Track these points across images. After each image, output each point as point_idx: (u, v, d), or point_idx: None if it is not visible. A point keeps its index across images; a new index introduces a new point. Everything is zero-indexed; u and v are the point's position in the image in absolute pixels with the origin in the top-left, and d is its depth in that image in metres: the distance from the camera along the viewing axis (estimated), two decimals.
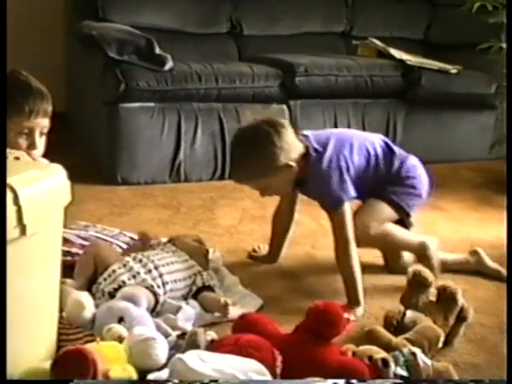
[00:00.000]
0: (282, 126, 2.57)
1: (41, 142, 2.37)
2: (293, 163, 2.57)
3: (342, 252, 2.60)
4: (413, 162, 2.85)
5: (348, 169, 2.65)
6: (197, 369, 1.82)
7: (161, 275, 2.47)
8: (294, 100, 4.18)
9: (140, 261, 2.50)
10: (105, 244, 2.73)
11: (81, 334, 2.12)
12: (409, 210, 2.81)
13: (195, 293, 2.53)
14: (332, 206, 2.63)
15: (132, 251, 2.67)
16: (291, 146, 2.57)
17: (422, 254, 2.82)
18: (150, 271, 2.46)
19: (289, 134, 2.58)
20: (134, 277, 2.43)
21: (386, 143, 2.84)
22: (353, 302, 2.56)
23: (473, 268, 2.95)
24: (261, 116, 2.62)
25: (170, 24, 4.51)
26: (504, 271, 2.93)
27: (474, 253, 2.99)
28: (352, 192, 2.64)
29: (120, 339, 2.03)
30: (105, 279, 2.44)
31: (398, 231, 2.82)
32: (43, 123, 2.33)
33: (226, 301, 2.43)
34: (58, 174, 1.93)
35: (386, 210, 2.77)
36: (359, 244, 2.64)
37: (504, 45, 4.15)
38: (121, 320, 2.14)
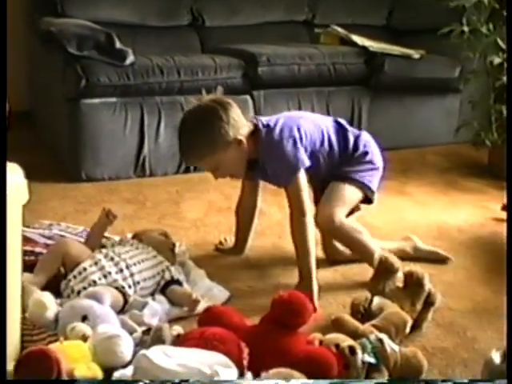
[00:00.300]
0: (228, 103, 2.58)
1: None
2: (242, 137, 2.57)
3: (297, 223, 2.58)
4: (366, 137, 2.84)
5: (301, 139, 2.63)
6: (161, 364, 1.80)
7: (132, 275, 2.45)
8: (257, 90, 4.16)
9: (112, 259, 2.48)
10: (74, 242, 2.65)
11: (44, 334, 2.09)
12: (371, 185, 2.79)
13: (163, 287, 2.52)
14: (286, 175, 2.61)
15: (90, 240, 2.66)
16: (239, 122, 2.58)
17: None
18: (121, 270, 2.44)
19: (235, 110, 2.58)
20: (105, 276, 2.41)
21: (337, 121, 2.84)
22: (305, 275, 2.55)
23: (411, 255, 2.90)
24: (205, 98, 2.61)
25: (130, 18, 4.46)
26: (441, 251, 2.93)
27: (408, 238, 2.99)
28: (306, 161, 2.62)
29: (84, 338, 2.01)
30: (75, 276, 2.41)
31: (365, 233, 2.77)
32: None
33: (198, 297, 2.42)
34: (13, 172, 1.90)
35: (349, 192, 2.74)
36: (324, 233, 2.64)
37: (466, 28, 4.15)
38: (84, 318, 2.12)
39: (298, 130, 2.65)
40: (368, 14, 5.15)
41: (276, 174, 2.66)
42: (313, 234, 2.59)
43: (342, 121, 2.86)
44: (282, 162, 2.61)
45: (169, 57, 3.97)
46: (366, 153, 2.79)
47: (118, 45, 3.79)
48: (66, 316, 2.13)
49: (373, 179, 2.79)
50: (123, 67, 3.76)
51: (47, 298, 2.18)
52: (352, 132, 2.82)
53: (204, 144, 2.54)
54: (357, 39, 4.51)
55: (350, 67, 4.35)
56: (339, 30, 4.65)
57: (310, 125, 2.71)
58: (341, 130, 2.79)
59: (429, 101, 4.68)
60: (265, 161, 2.65)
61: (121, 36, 3.91)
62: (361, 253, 2.75)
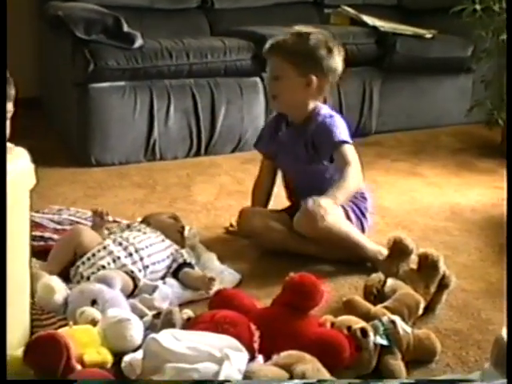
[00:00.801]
0: (339, 52, 2.73)
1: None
2: (315, 83, 2.70)
3: (344, 170, 2.61)
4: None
5: None
6: (171, 347, 1.79)
7: (141, 259, 2.44)
8: (267, 72, 4.11)
9: (120, 244, 2.46)
10: (87, 230, 2.59)
11: (54, 318, 2.09)
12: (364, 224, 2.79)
13: (175, 270, 2.50)
14: (339, 139, 2.66)
15: (95, 227, 2.63)
16: (327, 78, 2.72)
17: (375, 260, 2.60)
18: (130, 255, 2.43)
19: (339, 65, 2.73)
20: (114, 261, 2.40)
21: None
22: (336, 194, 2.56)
23: None
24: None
25: (139, 1, 4.41)
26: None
27: None
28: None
29: (93, 322, 2.00)
30: (83, 263, 2.40)
31: (354, 230, 2.68)
32: (7, 107, 2.27)
33: (212, 276, 2.40)
34: (21, 157, 1.88)
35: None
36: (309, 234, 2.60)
37: (478, 6, 4.11)
38: (94, 303, 2.10)
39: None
40: None
41: (323, 132, 2.70)
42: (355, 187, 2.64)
43: None
44: (337, 128, 2.69)
45: (178, 39, 3.94)
46: (364, 198, 2.81)
47: (126, 28, 3.77)
48: (76, 300, 2.12)
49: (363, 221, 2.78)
50: (132, 50, 3.73)
51: (55, 281, 2.17)
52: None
53: (297, 52, 2.68)
54: (367, 19, 4.47)
55: (360, 48, 4.30)
56: (349, 10, 4.60)
57: None
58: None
59: (441, 81, 4.63)
60: (318, 124, 2.72)
61: (129, 19, 3.88)
62: (352, 249, 2.67)
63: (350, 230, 2.66)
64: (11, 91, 2.28)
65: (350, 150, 2.67)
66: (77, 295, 2.14)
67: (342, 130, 2.70)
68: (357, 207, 2.75)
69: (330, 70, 2.71)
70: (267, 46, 2.80)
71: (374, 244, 2.67)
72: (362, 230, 2.76)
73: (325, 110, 2.77)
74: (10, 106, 2.29)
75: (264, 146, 2.96)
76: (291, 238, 2.68)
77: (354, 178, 2.62)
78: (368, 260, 2.64)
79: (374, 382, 1.96)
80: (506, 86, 3.86)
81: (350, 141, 2.70)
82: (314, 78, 2.68)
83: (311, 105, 2.75)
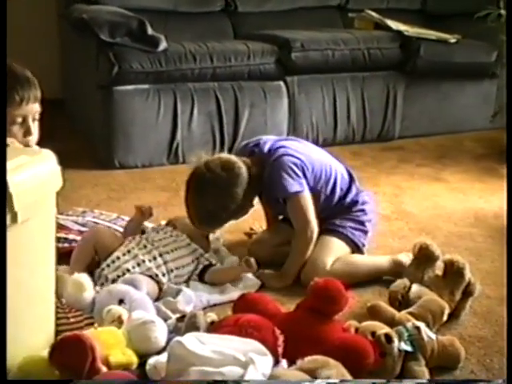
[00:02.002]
0: (238, 168, 2.52)
1: (35, 128, 2.33)
2: (253, 199, 2.60)
3: (304, 234, 2.54)
4: (367, 197, 2.75)
5: (304, 170, 2.57)
6: (196, 351, 1.78)
7: (165, 262, 2.45)
8: (290, 76, 4.12)
9: (144, 246, 2.48)
10: (105, 229, 2.67)
11: (81, 317, 2.10)
12: (359, 243, 2.66)
13: (200, 272, 2.52)
14: (289, 191, 2.52)
15: (128, 234, 2.63)
16: (246, 189, 2.53)
17: (397, 272, 2.54)
18: (154, 258, 2.44)
19: (244, 173, 2.52)
20: (139, 265, 2.41)
21: (348, 169, 2.76)
22: (288, 275, 2.54)
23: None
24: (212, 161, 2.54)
25: (163, 4, 4.44)
26: None
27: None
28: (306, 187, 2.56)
29: (120, 320, 2.01)
30: (108, 265, 2.41)
31: (360, 258, 2.65)
32: (35, 109, 2.29)
33: (247, 257, 2.48)
34: (47, 159, 1.88)
35: (337, 246, 2.62)
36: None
37: (503, 11, 4.09)
38: (121, 302, 2.12)
39: (300, 160, 2.57)
40: None
41: (277, 191, 2.58)
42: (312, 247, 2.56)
43: (352, 171, 2.78)
44: (282, 181, 2.53)
45: (201, 43, 3.95)
46: (363, 211, 2.71)
47: (150, 31, 3.78)
48: (103, 300, 2.14)
49: (361, 238, 2.68)
50: (156, 54, 3.74)
51: (85, 278, 2.20)
52: (356, 186, 2.73)
53: (220, 218, 2.57)
54: (391, 24, 4.46)
55: (384, 52, 4.29)
56: (373, 14, 4.60)
57: (318, 162, 2.64)
58: (348, 180, 2.72)
59: (465, 86, 4.62)
60: (267, 183, 2.59)
61: (153, 22, 3.90)
62: (370, 276, 2.60)
63: (354, 264, 2.60)
64: (37, 92, 2.30)
65: (304, 200, 2.55)
66: (104, 295, 2.16)
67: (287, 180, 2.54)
68: (356, 229, 2.67)
69: (244, 183, 2.52)
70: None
71: (381, 257, 2.65)
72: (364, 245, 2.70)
73: (267, 160, 2.59)
74: (37, 107, 2.31)
75: None
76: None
77: (312, 243, 2.55)
78: (391, 274, 2.57)
79: (395, 381, 1.95)
80: (506, 87, 3.85)
81: (297, 188, 2.53)
82: (248, 204, 2.60)
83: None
